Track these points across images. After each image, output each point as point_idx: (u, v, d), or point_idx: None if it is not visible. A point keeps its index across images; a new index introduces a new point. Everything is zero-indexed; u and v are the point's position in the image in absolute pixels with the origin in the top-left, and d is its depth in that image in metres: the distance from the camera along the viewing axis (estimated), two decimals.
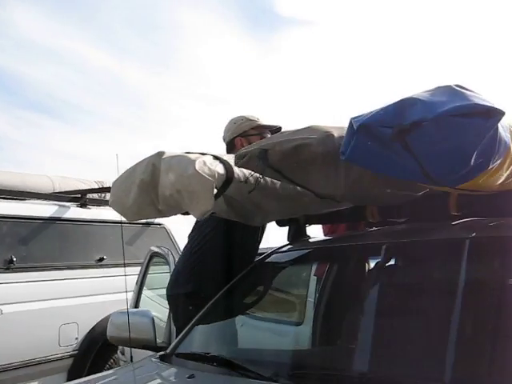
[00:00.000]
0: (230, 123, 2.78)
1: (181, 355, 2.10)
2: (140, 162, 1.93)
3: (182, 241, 5.38)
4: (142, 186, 1.87)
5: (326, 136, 1.50)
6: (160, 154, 1.88)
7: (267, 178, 1.90)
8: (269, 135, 2.64)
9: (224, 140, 2.78)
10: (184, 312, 2.46)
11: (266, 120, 2.78)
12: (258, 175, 1.78)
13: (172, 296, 2.60)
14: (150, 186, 1.87)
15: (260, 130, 2.71)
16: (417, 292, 1.99)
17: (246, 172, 1.85)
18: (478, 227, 1.98)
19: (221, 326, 2.37)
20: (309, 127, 1.62)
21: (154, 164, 1.86)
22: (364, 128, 1.32)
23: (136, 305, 3.48)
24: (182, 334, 2.25)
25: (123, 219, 2.05)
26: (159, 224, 5.30)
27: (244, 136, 2.70)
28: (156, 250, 3.69)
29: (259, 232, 2.63)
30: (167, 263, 3.32)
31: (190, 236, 2.66)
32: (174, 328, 2.62)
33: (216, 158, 1.83)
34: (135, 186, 1.88)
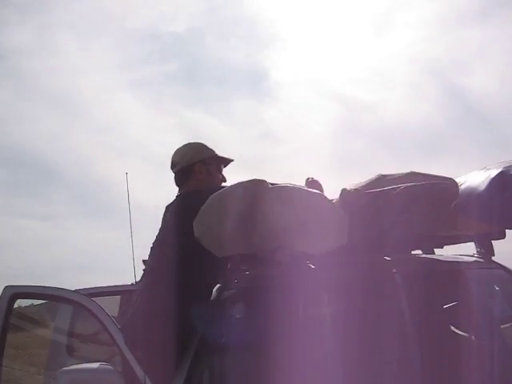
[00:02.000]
0: (185, 147, 2.57)
1: None
2: (231, 189, 1.81)
3: None
4: (241, 216, 1.76)
5: (455, 182, 1.64)
6: (259, 182, 1.80)
7: None
8: (222, 167, 2.56)
9: (176, 164, 2.54)
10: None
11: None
12: None
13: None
14: (249, 217, 1.77)
15: (218, 161, 2.56)
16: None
17: None
18: (408, 262, 2.11)
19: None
20: (411, 172, 1.72)
21: (254, 193, 1.76)
22: None
23: None
24: None
25: None
26: None
27: (204, 163, 2.52)
28: (28, 289, 2.57)
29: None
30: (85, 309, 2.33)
31: (148, 277, 2.39)
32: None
33: None
34: (233, 216, 1.76)
